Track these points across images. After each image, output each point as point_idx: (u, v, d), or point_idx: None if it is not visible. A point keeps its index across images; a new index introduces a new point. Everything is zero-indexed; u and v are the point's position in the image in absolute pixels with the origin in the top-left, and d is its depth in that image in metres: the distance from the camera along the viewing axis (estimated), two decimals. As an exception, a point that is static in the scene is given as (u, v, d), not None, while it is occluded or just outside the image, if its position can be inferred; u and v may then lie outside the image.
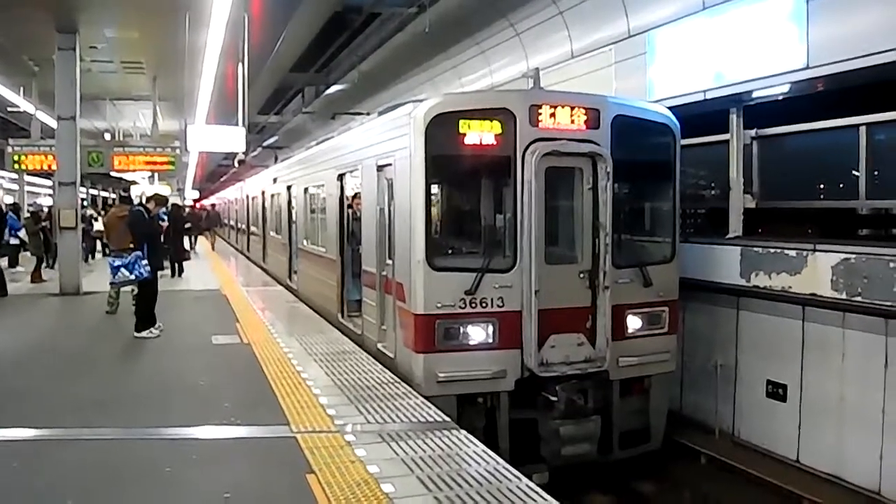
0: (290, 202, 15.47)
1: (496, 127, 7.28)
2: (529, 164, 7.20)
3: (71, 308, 13.19)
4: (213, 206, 42.50)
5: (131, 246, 9.95)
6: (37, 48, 15.46)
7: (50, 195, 29.53)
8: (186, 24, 12.78)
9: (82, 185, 19.70)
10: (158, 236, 10.52)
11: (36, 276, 16.60)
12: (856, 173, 8.67)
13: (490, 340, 7.28)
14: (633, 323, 7.85)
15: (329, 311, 11.16)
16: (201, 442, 5.71)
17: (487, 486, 4.66)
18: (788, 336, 8.42)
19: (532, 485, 4.69)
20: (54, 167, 15.54)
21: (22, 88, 19.66)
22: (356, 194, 10.26)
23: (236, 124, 16.36)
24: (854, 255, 7.66)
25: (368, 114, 12.51)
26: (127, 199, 15.64)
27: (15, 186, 28.47)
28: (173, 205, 19.75)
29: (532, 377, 7.31)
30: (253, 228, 23.12)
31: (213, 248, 28.42)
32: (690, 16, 9.87)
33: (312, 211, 13.36)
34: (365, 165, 9.21)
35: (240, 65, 14.03)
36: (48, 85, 15.78)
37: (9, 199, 28.41)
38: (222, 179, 51.85)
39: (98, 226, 19.67)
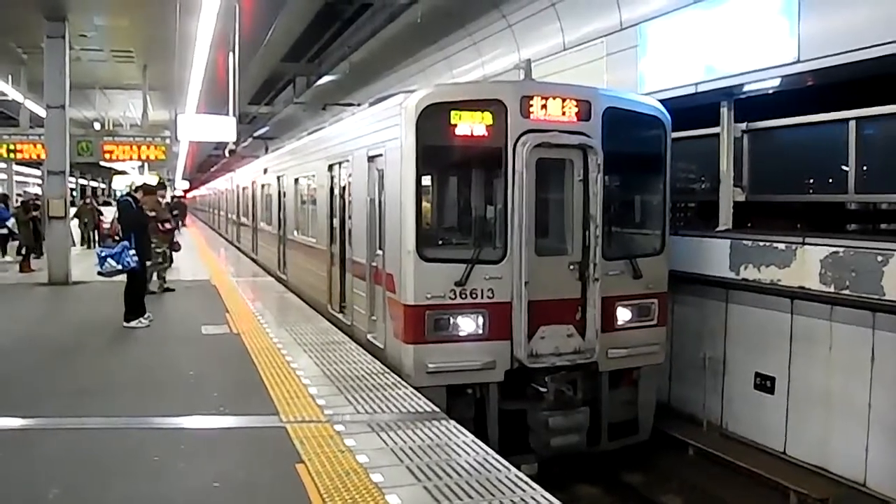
0: (280, 193, 15.41)
1: (487, 118, 7.26)
2: (520, 155, 7.20)
3: (60, 298, 13.11)
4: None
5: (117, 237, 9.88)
6: (25, 36, 15.28)
7: (39, 185, 29.31)
8: (177, 13, 12.67)
9: (71, 174, 19.52)
10: (146, 226, 10.46)
11: (25, 266, 16.53)
12: (845, 168, 8.71)
13: (480, 331, 7.29)
14: (623, 315, 7.87)
15: (319, 301, 11.14)
16: (190, 432, 5.70)
17: (476, 476, 4.67)
18: (777, 329, 8.46)
19: (521, 475, 4.70)
20: (43, 156, 15.43)
21: (10, 77, 19.47)
22: (346, 185, 10.22)
23: (227, 114, 16.25)
24: (842, 249, 7.69)
25: (360, 104, 12.46)
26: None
27: (3, 176, 28.25)
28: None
29: (521, 368, 7.33)
30: (243, 219, 23.03)
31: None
32: (682, 8, 9.86)
33: (303, 202, 13.32)
34: (355, 156, 9.18)
35: (230, 54, 13.94)
36: (37, 73, 15.63)
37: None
38: (212, 170, 51.85)
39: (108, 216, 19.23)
